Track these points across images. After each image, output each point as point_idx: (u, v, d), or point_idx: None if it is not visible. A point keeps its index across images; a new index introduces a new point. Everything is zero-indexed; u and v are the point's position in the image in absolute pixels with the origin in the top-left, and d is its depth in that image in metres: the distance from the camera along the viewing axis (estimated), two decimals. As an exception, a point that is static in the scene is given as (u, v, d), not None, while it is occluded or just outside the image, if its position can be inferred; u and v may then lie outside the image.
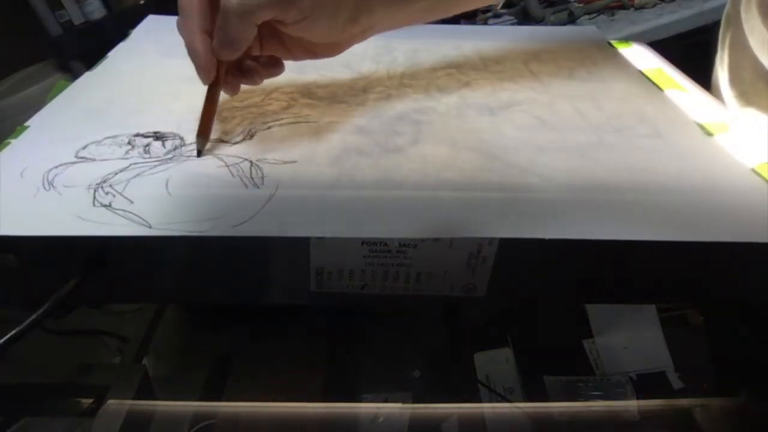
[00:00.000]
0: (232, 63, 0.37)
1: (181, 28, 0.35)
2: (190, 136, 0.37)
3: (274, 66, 0.39)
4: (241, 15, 0.33)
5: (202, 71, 0.35)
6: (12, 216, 0.29)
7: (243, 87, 0.39)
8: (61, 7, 1.19)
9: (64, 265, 0.29)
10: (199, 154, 0.35)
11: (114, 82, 0.45)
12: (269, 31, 0.37)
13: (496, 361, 0.50)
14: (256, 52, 0.39)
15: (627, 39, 0.58)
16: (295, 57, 0.40)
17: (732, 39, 0.49)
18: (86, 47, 1.16)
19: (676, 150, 0.38)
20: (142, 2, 1.26)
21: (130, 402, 0.38)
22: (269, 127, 0.39)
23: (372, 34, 0.40)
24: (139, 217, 0.29)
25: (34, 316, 0.27)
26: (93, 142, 0.36)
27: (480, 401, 0.47)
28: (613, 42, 0.57)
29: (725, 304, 0.45)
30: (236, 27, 0.33)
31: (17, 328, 0.27)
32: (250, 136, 0.38)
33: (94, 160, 0.34)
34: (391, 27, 0.41)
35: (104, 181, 0.32)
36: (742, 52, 0.47)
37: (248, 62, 0.38)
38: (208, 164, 0.35)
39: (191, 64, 0.48)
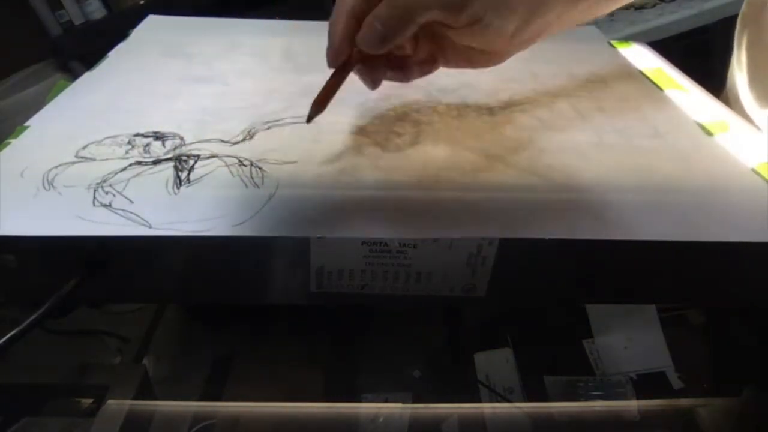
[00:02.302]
0: (380, 56, 0.34)
1: (335, 7, 0.33)
2: (190, 136, 0.37)
3: (429, 63, 0.36)
4: (405, 11, 0.30)
5: (330, 54, 0.33)
6: (12, 216, 0.29)
7: (245, 87, 0.39)
8: (61, 7, 1.19)
9: (64, 265, 0.29)
10: (309, 120, 0.34)
11: (114, 82, 0.45)
12: (430, 33, 0.34)
13: (496, 361, 0.50)
14: (408, 52, 0.36)
15: (627, 39, 0.58)
16: (451, 64, 0.37)
17: (750, 40, 0.49)
18: (86, 47, 1.16)
19: (676, 150, 0.38)
20: (142, 2, 1.26)
21: (130, 402, 0.38)
22: (269, 127, 0.39)
23: (538, 40, 0.36)
24: (139, 217, 0.29)
25: (34, 316, 0.27)
26: (93, 142, 0.36)
27: (480, 401, 0.47)
28: (613, 42, 0.57)
29: (725, 304, 0.45)
30: (395, 23, 0.30)
31: (17, 328, 0.27)
32: (250, 136, 0.38)
33: (94, 159, 0.34)
34: (560, 28, 0.36)
35: (104, 181, 0.32)
36: (763, 52, 0.47)
37: (398, 57, 0.36)
38: (208, 164, 0.35)
39: (192, 65, 0.48)
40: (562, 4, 0.33)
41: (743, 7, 0.50)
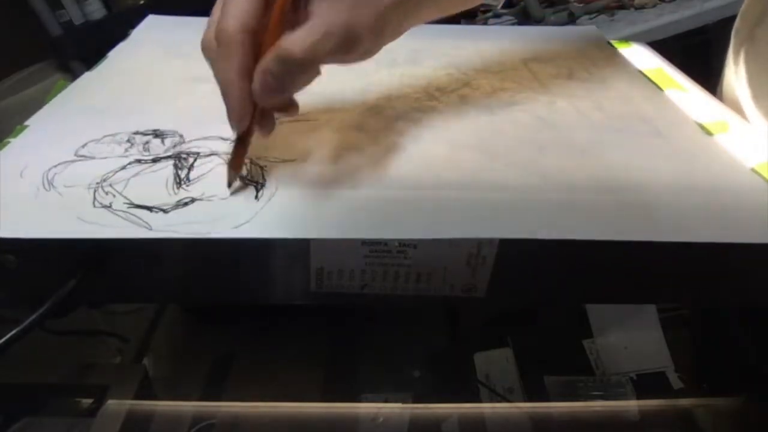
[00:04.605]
0: None
1: (217, 64, 0.30)
2: (189, 134, 0.37)
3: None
4: (305, 64, 0.29)
5: (235, 120, 0.31)
6: (12, 216, 0.29)
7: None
8: (61, 7, 1.19)
9: (64, 265, 0.29)
10: (230, 185, 0.32)
11: (114, 82, 0.45)
12: None
13: (496, 361, 0.50)
14: None
15: (627, 39, 0.58)
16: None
17: (748, 54, 0.49)
18: (86, 47, 1.16)
19: (676, 150, 0.38)
20: (142, 2, 1.26)
21: (130, 402, 0.38)
22: (269, 127, 0.39)
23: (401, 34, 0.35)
24: (140, 219, 0.29)
25: (34, 316, 0.27)
26: (92, 140, 0.36)
27: (480, 401, 0.47)
28: (613, 42, 0.57)
29: (725, 303, 0.45)
30: (295, 75, 0.29)
31: (17, 328, 0.27)
32: (250, 135, 0.38)
33: (93, 158, 0.34)
34: (417, 23, 0.35)
35: (104, 180, 0.32)
36: (760, 68, 0.46)
37: None
38: (208, 162, 0.35)
39: (191, 64, 0.48)
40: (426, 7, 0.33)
41: (736, 22, 0.50)
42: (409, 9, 0.32)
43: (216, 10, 0.30)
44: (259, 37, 0.30)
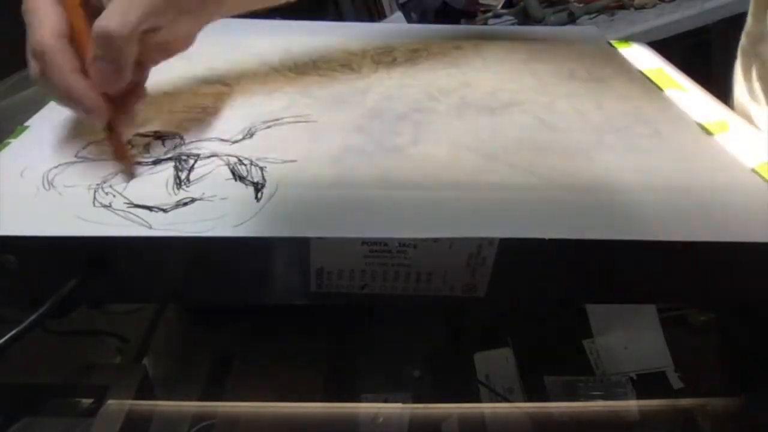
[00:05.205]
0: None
1: (49, 74, 0.31)
2: (190, 135, 0.37)
3: (140, 70, 0.36)
4: (125, 35, 0.30)
5: (94, 114, 0.32)
6: (12, 216, 0.29)
7: (245, 87, 0.38)
8: (62, 7, 1.19)
9: (64, 265, 0.29)
10: (130, 175, 0.33)
11: (114, 82, 0.45)
12: None
13: (496, 361, 0.50)
14: None
15: (627, 39, 0.58)
16: (154, 63, 0.37)
17: (762, 73, 0.48)
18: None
19: (676, 150, 0.38)
20: (142, 2, 1.26)
21: (130, 402, 0.38)
22: (269, 127, 0.39)
23: (214, 20, 0.37)
24: (139, 218, 0.29)
25: (34, 316, 0.27)
26: (93, 142, 0.36)
27: (480, 401, 0.47)
28: (613, 42, 0.57)
29: (725, 303, 0.45)
30: (122, 49, 0.30)
31: (17, 328, 0.27)
32: (250, 135, 0.38)
33: (94, 159, 0.34)
34: (234, 12, 0.38)
35: (104, 181, 0.32)
36: None
37: None
38: (208, 163, 0.35)
39: (191, 65, 0.48)
40: None
41: (742, 39, 0.50)
42: None
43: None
44: (75, 41, 0.32)
